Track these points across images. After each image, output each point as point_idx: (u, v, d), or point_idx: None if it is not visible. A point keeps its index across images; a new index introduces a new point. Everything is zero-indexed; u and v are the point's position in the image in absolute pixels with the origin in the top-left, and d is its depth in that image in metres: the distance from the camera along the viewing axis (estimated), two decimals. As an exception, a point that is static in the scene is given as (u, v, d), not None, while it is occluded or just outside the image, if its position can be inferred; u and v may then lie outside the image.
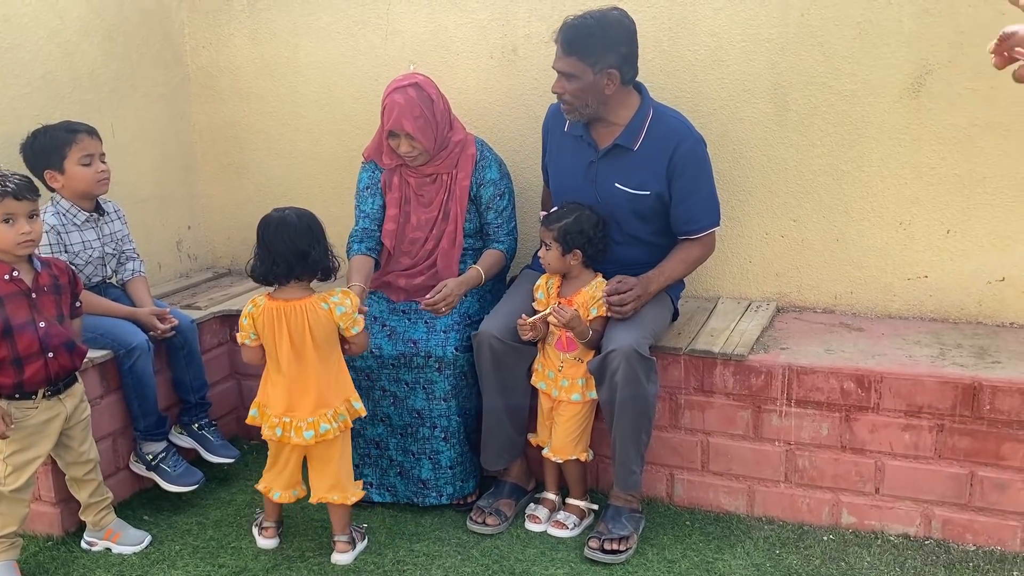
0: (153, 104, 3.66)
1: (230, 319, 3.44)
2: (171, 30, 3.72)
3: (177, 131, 3.81)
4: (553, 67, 2.71)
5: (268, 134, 3.79)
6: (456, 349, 2.83)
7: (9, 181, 2.42)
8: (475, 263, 3.02)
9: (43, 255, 2.63)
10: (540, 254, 2.73)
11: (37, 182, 2.82)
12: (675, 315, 2.95)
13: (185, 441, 3.12)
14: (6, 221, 2.39)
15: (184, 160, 3.86)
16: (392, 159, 3.03)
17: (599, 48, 2.63)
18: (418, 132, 2.88)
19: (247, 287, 3.69)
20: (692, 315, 3.07)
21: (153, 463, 2.95)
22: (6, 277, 2.43)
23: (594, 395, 2.68)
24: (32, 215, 2.45)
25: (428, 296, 2.84)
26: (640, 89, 2.82)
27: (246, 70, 3.75)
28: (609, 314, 2.65)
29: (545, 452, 2.78)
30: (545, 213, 2.74)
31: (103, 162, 2.95)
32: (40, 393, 2.48)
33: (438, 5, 3.39)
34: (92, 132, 2.93)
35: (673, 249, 2.82)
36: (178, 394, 3.13)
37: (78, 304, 2.62)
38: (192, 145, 3.90)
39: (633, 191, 2.78)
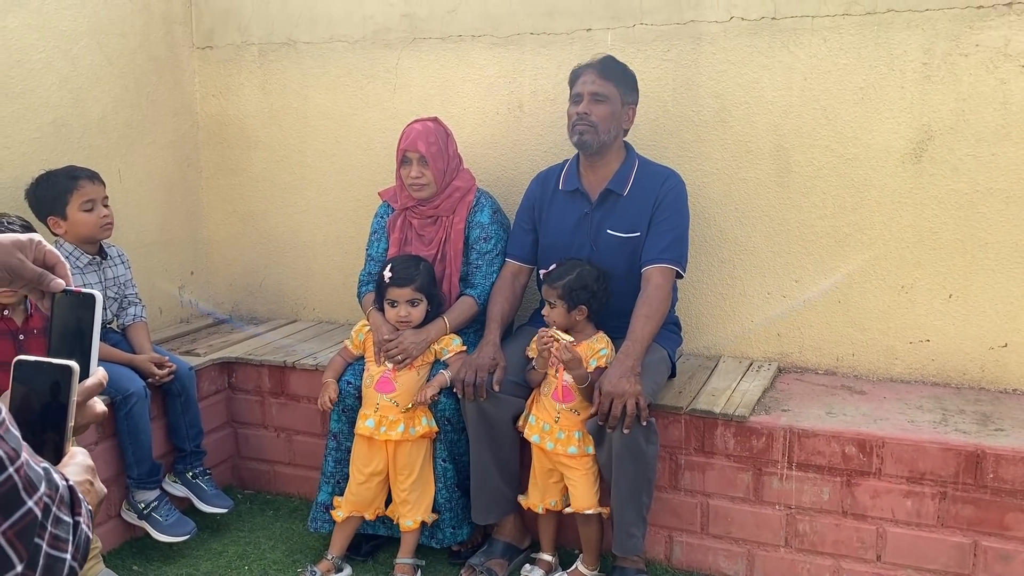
0: (161, 150, 3.70)
1: (228, 366, 3.43)
2: (182, 78, 3.77)
3: (184, 177, 3.84)
4: (580, 91, 2.78)
5: (274, 183, 3.82)
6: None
7: (6, 229, 2.43)
8: None
9: None
10: (544, 312, 2.71)
11: (43, 228, 2.86)
12: (673, 371, 2.93)
13: (179, 490, 3.08)
14: None
15: (190, 206, 3.89)
16: (403, 199, 3.06)
17: (629, 82, 2.84)
18: (430, 157, 2.95)
19: (247, 334, 3.69)
20: (693, 374, 3.05)
21: (145, 512, 2.91)
22: None
23: (591, 450, 2.64)
24: None
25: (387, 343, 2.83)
26: (626, 143, 2.92)
27: (255, 119, 3.79)
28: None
29: (568, 509, 2.71)
30: (545, 271, 2.73)
31: (106, 207, 2.96)
32: None
33: (446, 61, 3.44)
34: (94, 177, 2.94)
35: (634, 311, 2.67)
36: (173, 442, 3.11)
37: None
38: (199, 192, 3.93)
39: (624, 235, 2.82)
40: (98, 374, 1.15)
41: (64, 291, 1.13)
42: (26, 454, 0.83)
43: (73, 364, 1.02)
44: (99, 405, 1.15)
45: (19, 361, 1.01)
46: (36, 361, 1.01)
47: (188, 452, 3.09)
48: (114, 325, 3.09)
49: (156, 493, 2.94)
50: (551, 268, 2.74)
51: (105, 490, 1.07)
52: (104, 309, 2.99)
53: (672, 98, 3.14)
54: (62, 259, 1.22)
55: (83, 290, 1.12)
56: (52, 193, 2.91)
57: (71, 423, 1.04)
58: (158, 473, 2.96)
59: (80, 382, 1.08)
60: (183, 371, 3.06)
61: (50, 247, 1.23)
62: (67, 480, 0.90)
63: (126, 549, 2.99)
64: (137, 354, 2.99)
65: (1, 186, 3.01)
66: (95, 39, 3.34)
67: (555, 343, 2.56)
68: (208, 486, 3.09)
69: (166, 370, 2.95)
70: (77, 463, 1.02)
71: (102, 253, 3.02)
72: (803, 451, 2.66)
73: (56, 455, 1.02)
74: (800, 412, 2.76)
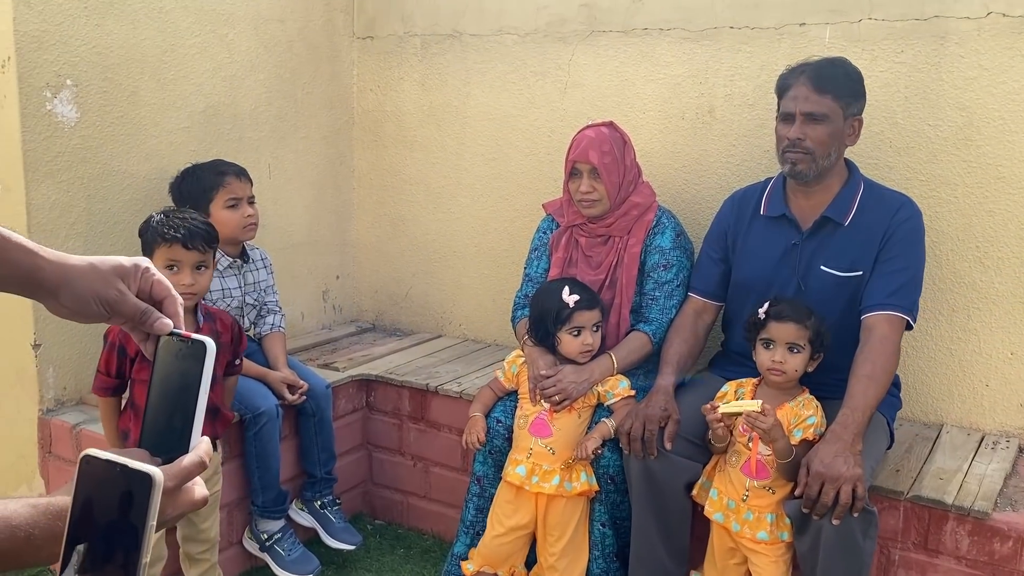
0: (313, 146, 3.47)
1: (368, 384, 3.14)
2: (340, 70, 3.53)
3: (335, 176, 3.60)
4: (791, 110, 2.29)
5: (429, 186, 3.52)
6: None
7: (183, 227, 2.20)
8: None
9: (208, 305, 2.42)
10: (777, 359, 2.18)
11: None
12: (891, 440, 2.40)
13: (305, 519, 2.82)
14: (169, 268, 2.19)
15: (340, 207, 3.64)
16: (571, 214, 2.67)
17: (852, 89, 2.31)
18: (603, 168, 2.53)
19: (390, 347, 3.42)
20: (911, 445, 2.50)
21: (267, 543, 2.65)
22: None
23: (786, 536, 2.16)
24: (200, 266, 2.23)
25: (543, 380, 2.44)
26: (848, 161, 2.41)
27: (412, 117, 3.50)
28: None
29: None
30: (768, 308, 2.23)
31: (251, 205, 2.72)
32: None
33: (627, 57, 3.03)
34: (241, 173, 2.71)
35: (853, 369, 2.17)
36: (303, 465, 2.84)
37: (237, 362, 2.39)
38: (350, 191, 3.68)
39: (843, 274, 2.31)
40: (200, 448, 0.85)
41: (171, 334, 0.92)
42: None
43: (154, 472, 0.75)
44: (199, 490, 0.85)
45: (86, 457, 0.76)
46: (107, 461, 0.76)
47: (318, 478, 2.82)
48: (251, 333, 2.85)
49: (280, 523, 2.68)
50: (772, 304, 2.23)
51: None
52: (242, 316, 2.77)
53: (903, 109, 2.60)
54: (173, 292, 0.95)
55: (193, 336, 0.88)
56: (197, 188, 2.70)
57: (145, 558, 0.75)
58: (284, 502, 2.69)
59: (177, 459, 0.84)
60: (319, 390, 2.79)
61: (159, 276, 0.95)
62: None
63: (246, 579, 2.75)
64: (271, 368, 2.73)
65: (147, 177, 2.83)
66: (252, 24, 3.12)
67: (744, 418, 2.10)
68: (336, 518, 2.81)
69: (297, 395, 2.68)
70: None
71: (244, 256, 2.79)
72: (1065, 565, 2.08)
73: None
74: (1059, 512, 2.17)
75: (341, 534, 2.79)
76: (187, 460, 0.85)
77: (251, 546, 2.70)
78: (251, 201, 2.74)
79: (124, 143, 2.77)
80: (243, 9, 3.07)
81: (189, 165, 2.77)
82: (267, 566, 2.68)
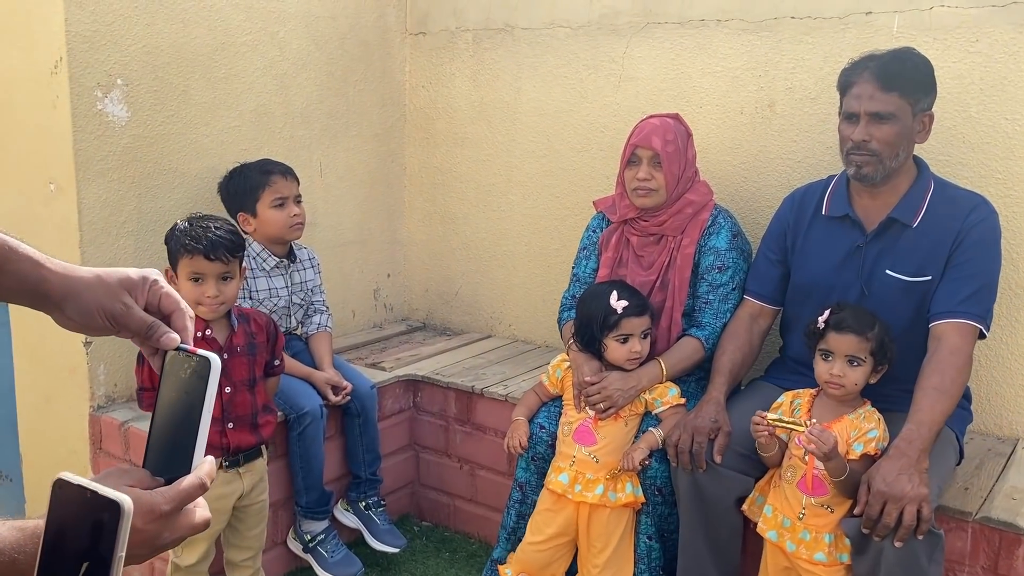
0: (365, 144, 3.44)
1: (415, 384, 3.11)
2: (391, 67, 3.50)
3: (387, 174, 3.57)
4: (855, 110, 2.16)
5: (479, 184, 3.47)
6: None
7: (204, 237, 2.14)
8: None
9: (242, 307, 2.40)
10: (835, 372, 2.06)
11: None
12: (960, 456, 2.25)
13: (350, 519, 2.80)
14: (194, 280, 2.15)
15: (391, 205, 3.62)
16: (623, 208, 2.58)
17: (921, 84, 2.16)
18: (665, 157, 2.44)
19: (438, 347, 3.38)
20: (981, 461, 2.35)
21: (311, 544, 2.64)
22: (198, 335, 2.17)
23: (846, 558, 2.04)
24: (225, 277, 2.19)
25: (588, 386, 2.35)
26: (916, 159, 2.26)
27: (464, 114, 3.45)
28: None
29: None
30: (828, 316, 2.10)
31: (297, 204, 2.71)
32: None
33: (683, 49, 2.92)
34: (287, 173, 2.70)
35: (919, 381, 2.03)
36: (348, 466, 2.82)
37: (276, 363, 2.36)
38: (401, 189, 3.65)
39: (910, 278, 2.17)
40: (203, 469, 0.82)
41: (178, 349, 0.90)
42: None
43: (123, 500, 0.73)
44: (200, 512, 0.82)
45: (59, 481, 0.74)
46: (78, 486, 0.73)
47: (363, 479, 2.80)
48: (298, 333, 2.84)
49: (324, 524, 2.66)
50: (833, 312, 2.10)
51: None
52: (288, 316, 2.76)
53: (978, 102, 2.44)
54: (183, 306, 0.93)
55: (199, 352, 0.87)
56: (244, 187, 2.69)
57: None
58: (327, 503, 2.67)
59: (177, 479, 0.82)
60: (364, 390, 2.76)
61: (168, 289, 0.93)
62: None
63: (290, 579, 2.74)
64: (316, 368, 2.72)
65: (197, 176, 2.84)
66: (304, 21, 3.11)
67: (797, 437, 1.98)
68: (381, 520, 2.78)
69: (341, 396, 2.65)
70: None
71: (291, 255, 2.78)
72: None
73: None
74: None
75: (385, 536, 2.76)
76: (187, 482, 0.82)
77: (295, 547, 2.69)
78: (298, 200, 2.73)
79: (175, 142, 2.78)
80: (294, 6, 3.06)
81: (237, 164, 2.77)
82: (311, 567, 2.67)
